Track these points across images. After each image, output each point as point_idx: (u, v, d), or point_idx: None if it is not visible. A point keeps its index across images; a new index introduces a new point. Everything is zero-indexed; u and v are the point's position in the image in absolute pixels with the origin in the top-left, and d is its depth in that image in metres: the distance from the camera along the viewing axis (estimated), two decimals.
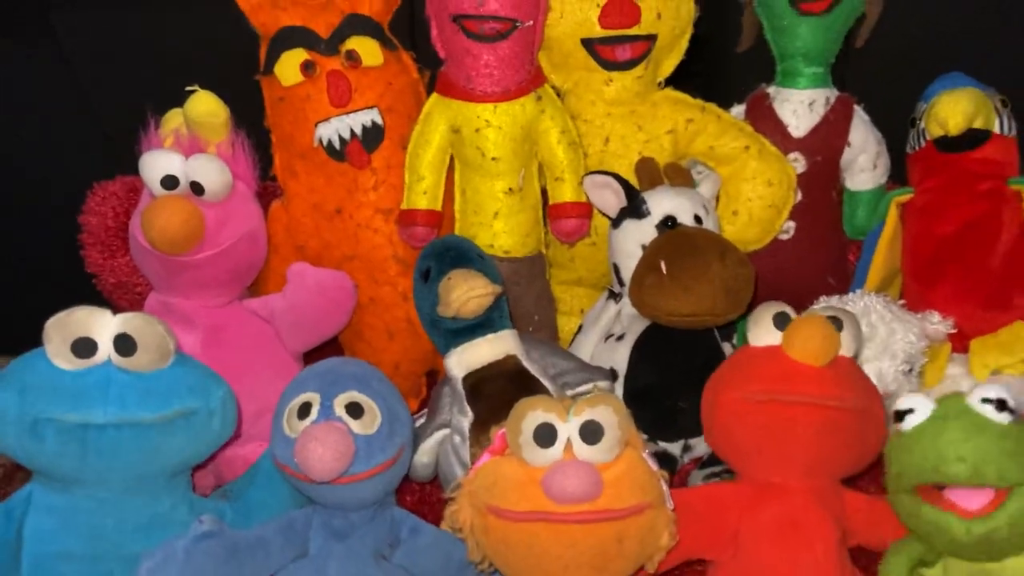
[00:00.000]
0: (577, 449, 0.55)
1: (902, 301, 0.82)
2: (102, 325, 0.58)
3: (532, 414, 0.54)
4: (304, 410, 0.62)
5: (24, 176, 1.03)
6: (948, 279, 0.82)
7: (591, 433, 0.54)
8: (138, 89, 0.88)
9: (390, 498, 0.67)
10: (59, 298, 0.71)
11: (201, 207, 0.75)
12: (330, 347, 0.84)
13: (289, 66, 0.79)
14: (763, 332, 0.64)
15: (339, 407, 0.62)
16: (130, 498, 0.60)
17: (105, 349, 0.58)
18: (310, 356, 0.82)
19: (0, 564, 0.60)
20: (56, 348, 0.57)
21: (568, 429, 0.55)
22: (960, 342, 0.80)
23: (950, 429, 0.54)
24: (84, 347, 0.57)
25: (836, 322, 0.63)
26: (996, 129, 0.83)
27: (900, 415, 0.57)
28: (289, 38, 0.79)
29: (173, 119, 0.79)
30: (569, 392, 0.69)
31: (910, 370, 0.77)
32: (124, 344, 0.58)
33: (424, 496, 0.76)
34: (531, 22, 0.78)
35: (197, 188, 0.75)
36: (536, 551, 0.54)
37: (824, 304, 0.74)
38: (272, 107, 0.83)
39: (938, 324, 0.79)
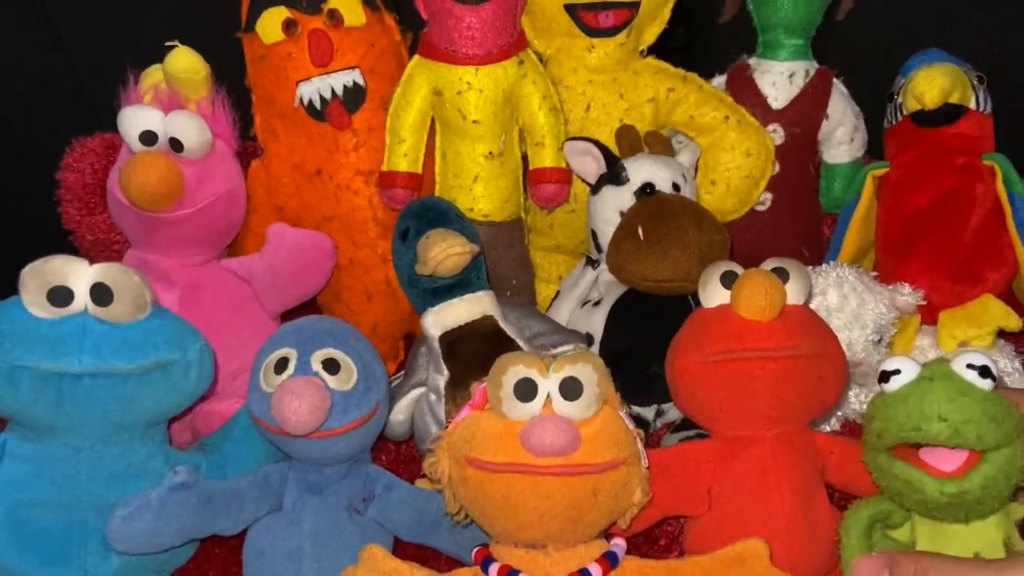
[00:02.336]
0: (556, 405, 0.55)
1: (875, 273, 0.82)
2: (78, 274, 0.57)
3: (513, 368, 0.55)
4: (281, 365, 0.62)
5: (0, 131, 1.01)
6: (920, 252, 0.82)
7: (570, 389, 0.55)
8: (118, 44, 0.87)
9: (365, 455, 0.68)
10: (35, 255, 0.71)
11: (180, 164, 0.75)
12: (308, 308, 0.84)
13: (271, 24, 0.78)
14: (713, 293, 0.64)
15: (316, 363, 0.62)
16: (105, 447, 0.60)
17: (81, 298, 0.58)
18: (287, 316, 0.81)
19: None
20: (32, 296, 0.56)
21: (548, 385, 0.55)
22: (929, 314, 0.81)
23: (934, 390, 0.55)
24: (60, 296, 0.57)
25: (782, 273, 0.63)
26: (972, 105, 0.83)
27: (886, 376, 0.58)
28: None
29: (153, 75, 0.79)
30: (544, 354, 0.69)
31: (879, 340, 0.78)
32: (100, 293, 0.57)
33: (399, 455, 0.76)
34: None
35: (176, 145, 0.75)
36: (512, 501, 0.54)
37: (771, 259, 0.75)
38: (253, 65, 0.81)
39: (908, 296, 0.79)
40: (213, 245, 0.81)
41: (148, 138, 0.74)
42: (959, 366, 0.56)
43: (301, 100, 0.79)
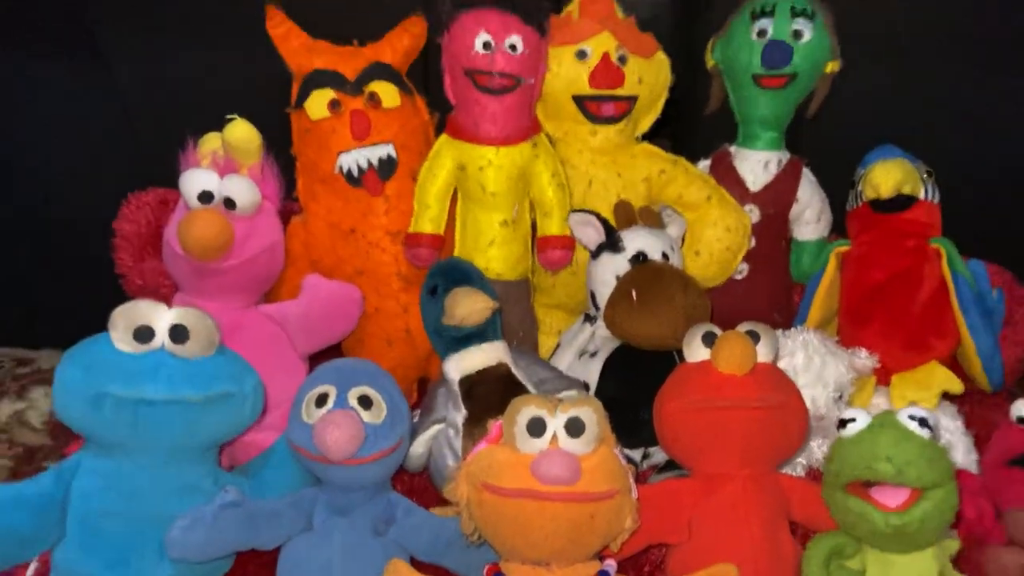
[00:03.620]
0: (562, 441, 0.63)
1: (837, 338, 0.91)
2: (159, 316, 0.66)
3: (526, 409, 0.63)
4: (321, 400, 0.69)
5: (62, 187, 1.10)
6: (876, 321, 0.90)
7: (574, 428, 0.62)
8: (171, 113, 0.97)
9: (387, 482, 0.75)
10: (90, 296, 0.80)
11: (231, 220, 0.82)
12: (332, 351, 0.90)
13: (318, 103, 0.87)
14: (695, 350, 0.73)
15: (352, 398, 0.69)
16: (168, 467, 0.68)
17: (161, 336, 0.66)
18: (315, 358, 0.87)
19: (50, 518, 0.67)
20: (120, 333, 0.65)
21: (555, 423, 0.63)
22: (883, 376, 0.88)
23: (882, 435, 0.64)
24: (144, 334, 0.66)
25: (754, 335, 0.72)
26: (922, 196, 0.92)
27: (843, 423, 0.67)
28: (320, 79, 0.87)
29: (210, 141, 0.86)
30: None
31: (840, 397, 0.85)
32: (179, 333, 0.66)
33: (412, 486, 0.82)
34: (532, 79, 0.86)
35: (229, 203, 0.82)
36: (522, 522, 0.62)
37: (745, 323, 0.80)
38: (299, 137, 0.90)
39: (865, 359, 0.87)
40: (253, 292, 0.88)
41: (205, 197, 0.82)
42: (903, 417, 0.65)
43: (341, 168, 0.88)
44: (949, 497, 0.64)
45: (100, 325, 0.71)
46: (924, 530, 0.64)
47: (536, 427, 0.63)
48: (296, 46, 0.89)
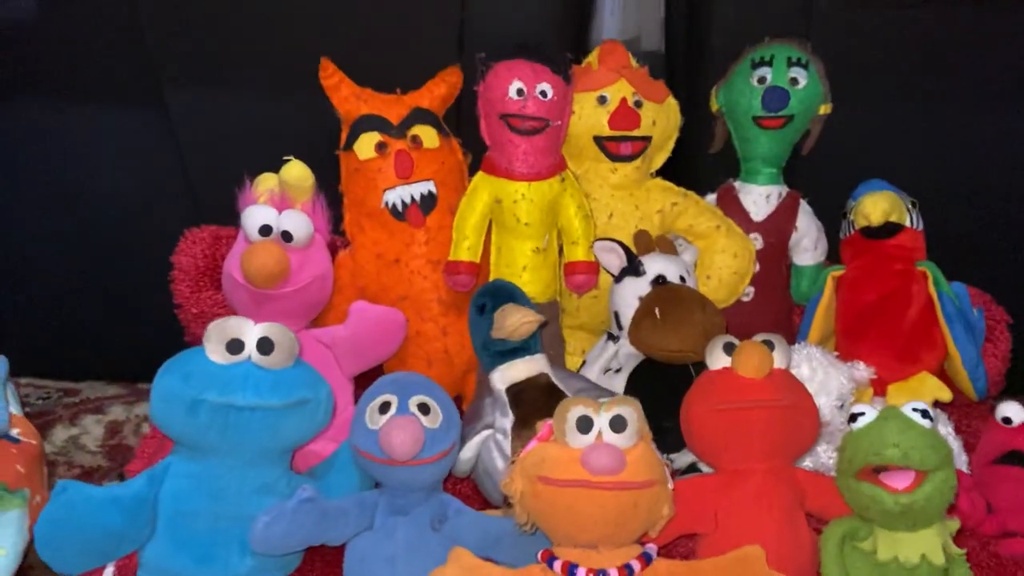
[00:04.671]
0: (607, 436, 0.69)
1: (835, 354, 0.97)
2: (248, 330, 0.74)
3: (575, 408, 0.70)
4: (384, 407, 0.76)
5: (123, 225, 1.18)
6: (870, 337, 0.96)
7: (618, 424, 0.69)
8: (221, 155, 1.04)
9: (439, 485, 0.81)
10: (149, 323, 0.86)
11: (288, 252, 0.88)
12: (375, 372, 0.94)
13: (366, 145, 0.94)
14: (717, 358, 0.79)
15: (413, 405, 0.76)
16: (250, 468, 0.74)
17: (249, 349, 0.73)
18: (359, 379, 0.92)
19: (142, 517, 0.73)
20: (214, 345, 0.73)
21: (601, 421, 0.69)
22: (879, 386, 0.94)
23: (889, 425, 0.72)
24: (235, 346, 0.73)
25: (769, 344, 0.78)
26: (908, 223, 0.99)
27: (854, 417, 0.74)
28: (368, 123, 0.94)
29: (266, 181, 0.92)
30: None
31: (841, 406, 0.91)
32: (265, 345, 0.73)
33: (458, 492, 0.87)
34: (559, 122, 0.93)
35: (286, 236, 0.89)
36: (575, 511, 0.69)
37: (760, 333, 0.85)
38: (348, 176, 0.96)
39: (863, 371, 0.93)
40: (305, 317, 0.93)
41: (265, 230, 0.88)
42: (907, 410, 0.73)
43: (387, 204, 0.94)
44: (949, 478, 0.72)
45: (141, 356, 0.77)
46: (929, 508, 0.71)
47: (584, 424, 0.70)
48: (346, 94, 0.95)
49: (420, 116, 0.96)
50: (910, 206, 1.02)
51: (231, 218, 0.94)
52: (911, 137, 1.15)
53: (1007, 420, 0.88)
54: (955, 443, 0.93)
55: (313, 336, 0.92)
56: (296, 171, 0.92)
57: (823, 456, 0.91)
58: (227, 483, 0.74)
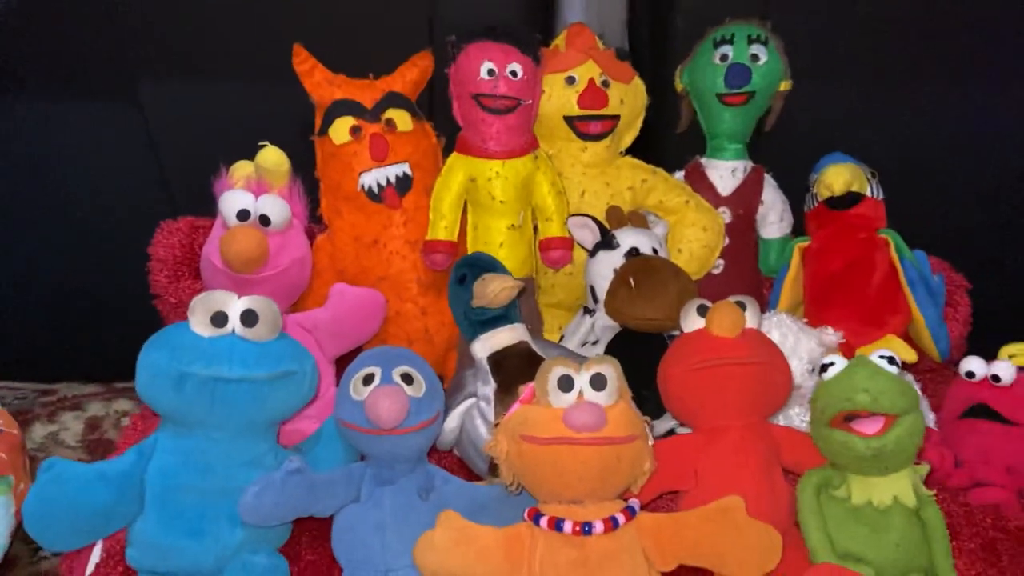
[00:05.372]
0: (588, 394, 0.71)
1: (804, 321, 0.99)
2: (232, 303, 0.74)
3: (556, 368, 0.72)
4: (368, 379, 0.77)
5: (96, 220, 1.17)
6: (837, 304, 0.99)
7: (598, 382, 0.71)
8: (201, 148, 1.03)
9: (424, 455, 0.81)
10: (125, 314, 0.86)
11: (266, 236, 0.88)
12: (356, 354, 0.93)
13: (341, 129, 0.95)
14: (691, 320, 0.81)
15: (396, 376, 0.77)
16: (238, 441, 0.75)
17: (233, 321, 0.74)
18: (340, 361, 0.93)
19: (130, 494, 0.74)
20: (198, 319, 0.73)
21: (581, 380, 0.71)
22: (847, 351, 0.94)
23: (858, 372, 0.74)
24: (220, 319, 0.73)
25: (741, 305, 0.80)
26: (868, 193, 1.02)
27: (824, 367, 0.77)
28: (342, 108, 0.95)
29: (242, 168, 0.93)
30: None
31: (812, 370, 0.93)
32: (249, 317, 0.74)
33: (441, 465, 0.86)
34: (530, 101, 0.96)
35: (264, 220, 0.89)
36: (559, 467, 0.70)
37: (731, 296, 0.87)
38: (324, 161, 0.97)
39: (831, 336, 0.95)
40: (284, 301, 0.92)
41: (243, 215, 0.89)
42: (874, 357, 0.76)
43: (363, 187, 0.95)
44: (917, 421, 0.74)
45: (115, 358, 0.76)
46: (899, 451, 0.74)
47: (565, 383, 0.72)
48: (319, 80, 0.96)
49: (393, 100, 0.97)
50: (870, 176, 1.05)
51: (207, 210, 0.95)
52: (868, 112, 1.19)
53: (970, 374, 0.92)
54: (923, 403, 0.95)
55: (294, 320, 0.93)
56: (272, 157, 0.92)
57: (796, 420, 0.93)
58: (215, 457, 0.74)
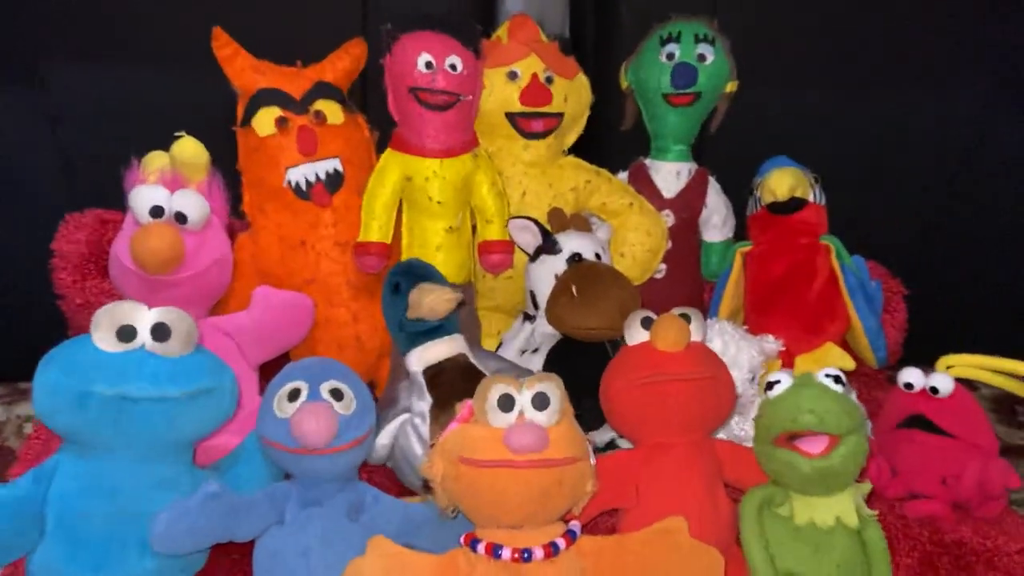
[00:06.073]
0: (529, 414, 0.67)
1: (745, 327, 0.99)
2: (141, 315, 0.68)
3: (496, 386, 0.68)
4: (294, 395, 0.72)
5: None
6: (778, 311, 1.00)
7: (540, 401, 0.68)
8: (112, 138, 0.96)
9: (355, 474, 0.77)
10: (26, 317, 0.79)
11: (182, 234, 0.83)
12: (282, 360, 0.90)
13: (265, 120, 0.89)
14: (635, 333, 0.79)
15: (324, 391, 0.72)
16: (148, 463, 0.69)
17: (143, 336, 0.68)
18: (265, 369, 0.88)
19: (28, 522, 0.67)
20: (103, 333, 0.67)
21: (523, 399, 0.68)
22: (787, 358, 0.97)
23: (804, 392, 0.73)
24: (127, 333, 0.67)
25: (686, 318, 0.79)
26: (811, 199, 1.02)
27: (770, 385, 0.75)
28: (267, 98, 0.89)
29: (156, 159, 0.87)
30: None
31: (752, 379, 0.93)
32: (160, 332, 0.68)
33: (373, 480, 0.82)
34: (470, 96, 0.91)
35: (180, 218, 0.83)
36: (498, 491, 0.67)
37: (676, 308, 0.86)
38: (247, 154, 0.92)
39: (772, 344, 0.95)
40: (203, 304, 0.88)
41: (157, 211, 0.83)
42: (820, 376, 0.75)
43: (290, 183, 0.90)
44: (861, 441, 0.74)
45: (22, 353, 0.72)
46: (843, 471, 0.73)
47: (506, 402, 0.68)
48: (242, 66, 0.91)
49: (323, 90, 0.92)
50: (813, 181, 1.05)
51: (117, 204, 0.88)
52: (814, 116, 1.19)
53: (908, 385, 0.91)
54: (862, 410, 0.94)
55: (214, 324, 0.88)
56: (189, 148, 0.86)
57: (736, 428, 0.93)
58: (123, 480, 0.68)
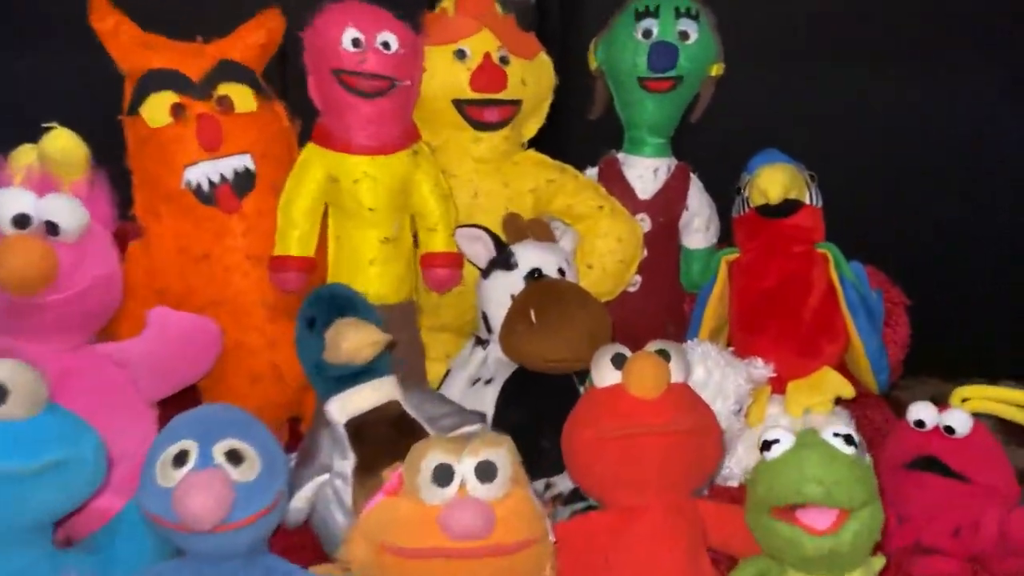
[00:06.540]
0: (471, 487, 0.58)
1: (730, 348, 0.91)
2: None
3: (431, 454, 0.57)
4: (180, 458, 0.61)
5: None
6: (769, 329, 0.91)
7: (485, 472, 0.58)
8: None
9: (263, 545, 0.67)
10: None
11: (55, 247, 0.72)
12: (186, 394, 0.83)
13: (157, 108, 0.80)
14: (604, 373, 0.70)
15: (218, 454, 0.62)
16: None
17: None
18: (164, 403, 0.80)
19: None
20: None
21: (463, 469, 0.58)
22: (777, 384, 0.89)
23: (809, 457, 0.63)
24: None
25: (664, 354, 0.70)
26: (807, 200, 0.94)
27: (767, 445, 0.65)
28: (159, 80, 0.81)
29: (24, 156, 0.77)
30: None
31: (739, 410, 0.86)
32: None
33: (291, 543, 0.74)
34: (408, 81, 0.84)
35: (52, 228, 0.73)
36: None
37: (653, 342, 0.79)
38: (136, 148, 0.83)
39: (761, 369, 0.88)
40: (86, 330, 0.78)
41: (21, 221, 0.71)
42: (827, 435, 0.64)
43: (189, 184, 0.81)
44: (876, 514, 0.64)
45: None
46: (854, 551, 0.63)
47: (443, 475, 0.58)
48: (127, 42, 0.82)
49: (229, 71, 0.83)
50: (809, 180, 0.96)
51: None
52: (809, 104, 1.12)
53: (920, 423, 0.82)
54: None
55: (100, 353, 0.79)
56: (62, 142, 0.76)
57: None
58: None
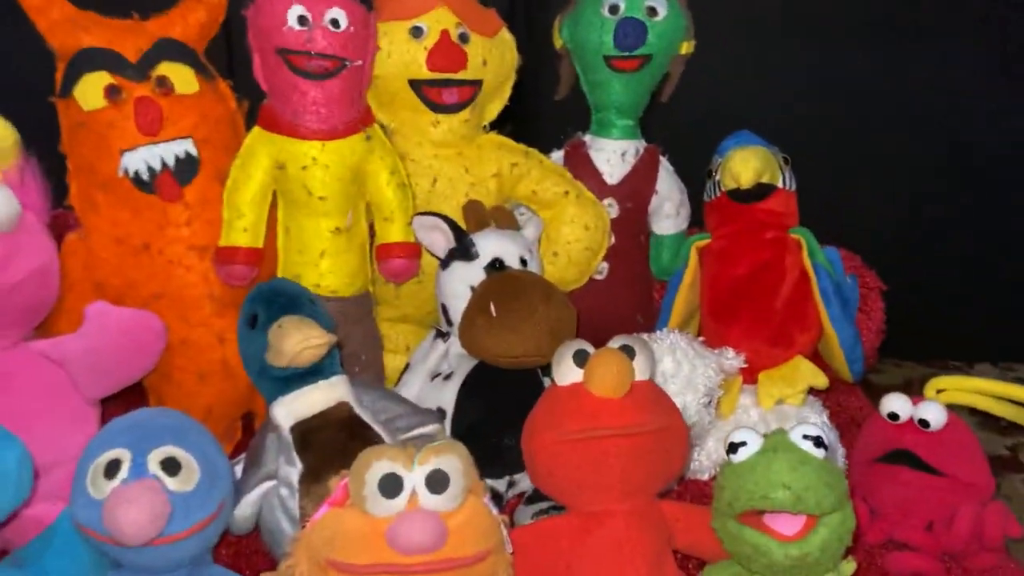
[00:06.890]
0: (422, 498, 0.55)
1: (701, 338, 0.89)
2: None
3: (378, 464, 0.54)
4: (112, 468, 0.58)
5: None
6: (741, 318, 0.90)
7: (436, 482, 0.55)
8: None
9: (207, 555, 0.65)
10: None
11: None
12: (132, 391, 0.80)
13: (91, 90, 0.76)
14: (566, 371, 0.67)
15: (153, 463, 0.59)
16: None
17: None
18: (108, 401, 0.78)
19: None
20: None
21: (413, 478, 0.55)
22: (748, 375, 0.88)
23: (778, 461, 0.60)
24: None
25: (628, 350, 0.67)
26: (780, 184, 0.92)
27: (734, 447, 0.63)
28: (91, 60, 0.77)
29: None
30: (401, 437, 0.69)
31: (709, 402, 0.84)
32: None
33: (240, 549, 0.72)
34: (360, 61, 0.80)
35: None
36: None
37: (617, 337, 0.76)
38: (69, 132, 0.80)
39: (733, 359, 0.86)
40: (21, 326, 0.76)
41: None
42: (796, 437, 0.61)
43: (126, 171, 0.78)
44: (847, 520, 0.61)
45: None
46: (823, 558, 0.61)
47: (391, 485, 0.55)
48: (58, 19, 0.78)
49: (169, 50, 0.79)
50: (782, 163, 0.94)
51: None
52: (783, 82, 1.10)
53: (893, 416, 0.80)
54: (831, 434, 0.86)
55: (36, 351, 0.76)
56: None
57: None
58: None
